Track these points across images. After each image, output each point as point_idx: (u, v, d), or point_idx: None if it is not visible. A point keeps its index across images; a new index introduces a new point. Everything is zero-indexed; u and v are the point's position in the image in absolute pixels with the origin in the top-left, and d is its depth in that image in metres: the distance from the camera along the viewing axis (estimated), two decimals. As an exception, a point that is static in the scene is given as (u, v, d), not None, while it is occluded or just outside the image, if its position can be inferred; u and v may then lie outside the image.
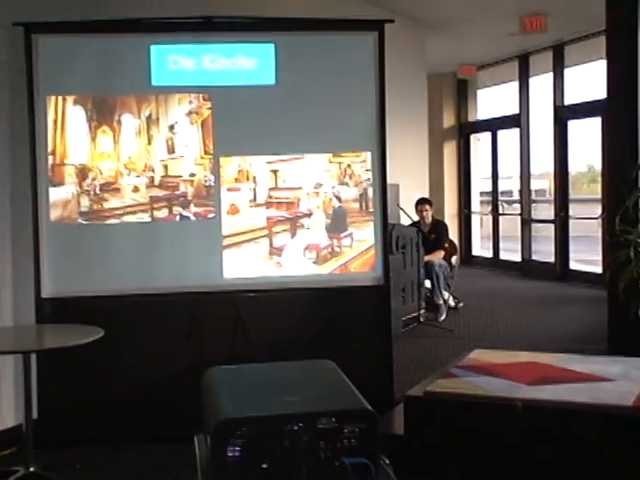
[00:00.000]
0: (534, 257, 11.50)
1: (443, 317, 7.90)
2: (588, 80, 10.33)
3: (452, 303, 8.33)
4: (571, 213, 10.79)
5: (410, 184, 8.27)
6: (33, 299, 4.30)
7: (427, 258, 7.85)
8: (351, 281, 4.61)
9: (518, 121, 11.54)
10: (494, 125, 12.46)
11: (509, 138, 12.10)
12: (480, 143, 13.20)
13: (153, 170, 4.48)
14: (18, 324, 4.30)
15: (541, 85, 11.20)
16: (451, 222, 11.68)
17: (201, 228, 4.53)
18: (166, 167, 4.50)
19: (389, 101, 4.69)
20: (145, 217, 4.48)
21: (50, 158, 4.37)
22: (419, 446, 3.31)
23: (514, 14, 8.35)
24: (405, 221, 8.03)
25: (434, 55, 9.84)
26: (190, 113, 4.50)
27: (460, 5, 8.40)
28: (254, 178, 4.55)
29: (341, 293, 4.58)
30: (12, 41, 4.30)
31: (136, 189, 4.47)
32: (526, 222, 11.52)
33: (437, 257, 8.06)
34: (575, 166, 11.36)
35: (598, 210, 10.01)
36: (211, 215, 4.52)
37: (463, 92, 13.05)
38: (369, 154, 4.62)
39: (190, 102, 4.50)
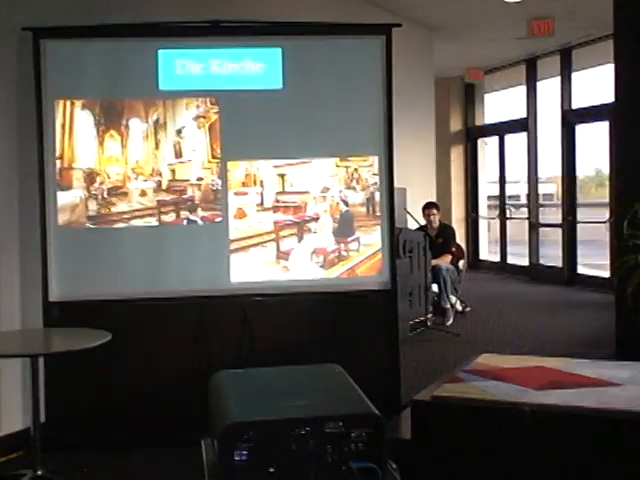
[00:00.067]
0: (541, 261, 11.47)
1: (450, 321, 7.88)
2: (596, 84, 10.31)
3: (459, 307, 8.32)
4: (579, 217, 10.76)
5: (417, 188, 8.27)
6: (41, 303, 4.31)
7: (434, 262, 7.84)
8: (358, 285, 4.61)
9: (525, 125, 11.52)
10: (501, 129, 12.45)
11: (516, 142, 12.08)
12: (487, 147, 13.18)
13: (160, 174, 4.49)
14: (26, 328, 4.31)
15: (549, 89, 11.18)
16: (458, 226, 11.68)
17: (208, 232, 4.53)
18: (173, 171, 4.51)
19: (396, 105, 4.69)
20: (152, 221, 4.49)
21: (58, 162, 4.38)
22: (426, 450, 3.30)
23: (521, 18, 8.33)
24: (412, 225, 8.03)
25: (441, 59, 9.84)
26: (197, 117, 4.51)
27: (467, 9, 8.40)
28: (261, 182, 4.56)
29: (348, 297, 4.58)
30: (20, 46, 4.32)
31: (144, 193, 4.48)
32: (533, 226, 11.50)
33: (444, 261, 8.05)
34: (583, 170, 11.34)
35: (606, 214, 9.98)
36: (218, 219, 4.52)
37: (470, 96, 13.04)
38: (376, 158, 4.62)
39: (197, 106, 4.51)
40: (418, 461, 3.23)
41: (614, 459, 3.02)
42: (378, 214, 4.63)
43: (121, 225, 4.46)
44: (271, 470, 2.28)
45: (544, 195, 12.46)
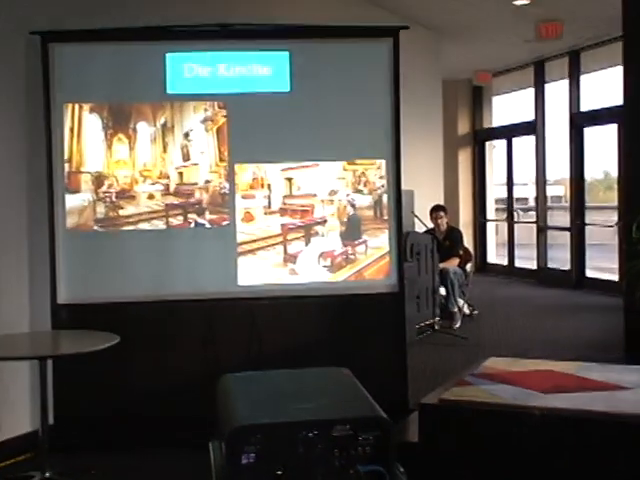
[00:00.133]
0: (550, 265, 11.44)
1: (458, 325, 7.87)
2: (604, 86, 10.29)
3: (467, 311, 8.30)
4: (587, 220, 10.73)
5: (425, 191, 8.26)
6: (49, 305, 4.32)
7: (442, 265, 7.82)
8: (365, 288, 4.61)
9: (534, 128, 11.50)
10: (509, 132, 12.42)
11: (524, 145, 12.06)
12: (495, 150, 13.16)
13: (168, 177, 4.50)
14: (34, 330, 4.32)
15: (557, 91, 11.16)
16: (466, 229, 11.65)
17: (216, 235, 4.54)
18: (181, 174, 4.51)
19: (404, 108, 4.69)
20: (160, 224, 4.49)
21: (66, 165, 4.40)
22: (434, 454, 3.30)
23: (530, 20, 8.32)
24: (420, 228, 8.02)
25: (449, 62, 9.83)
26: (205, 120, 4.52)
27: (476, 12, 8.39)
28: (269, 185, 4.56)
29: (355, 300, 4.58)
30: (29, 50, 4.34)
31: (151, 196, 4.49)
32: (542, 229, 11.47)
33: (452, 264, 8.04)
34: (591, 173, 11.31)
35: (614, 217, 9.95)
36: (226, 222, 4.53)
37: (478, 99, 13.02)
38: (384, 161, 4.62)
39: (205, 110, 4.51)
40: (426, 465, 3.23)
41: (623, 462, 3.01)
42: (385, 217, 4.63)
43: (129, 228, 4.47)
44: (278, 473, 2.29)
45: (552, 198, 12.43)
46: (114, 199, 4.45)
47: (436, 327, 7.54)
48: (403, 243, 5.22)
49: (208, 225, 4.53)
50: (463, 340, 7.15)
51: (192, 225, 4.52)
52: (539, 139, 11.40)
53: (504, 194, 12.74)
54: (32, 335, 4.25)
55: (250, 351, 4.41)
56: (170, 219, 4.50)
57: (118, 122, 4.46)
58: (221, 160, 4.53)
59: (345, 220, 4.62)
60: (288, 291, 4.54)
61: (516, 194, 12.78)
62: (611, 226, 10.18)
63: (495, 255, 13.09)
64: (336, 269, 4.60)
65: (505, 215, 12.72)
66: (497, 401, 3.25)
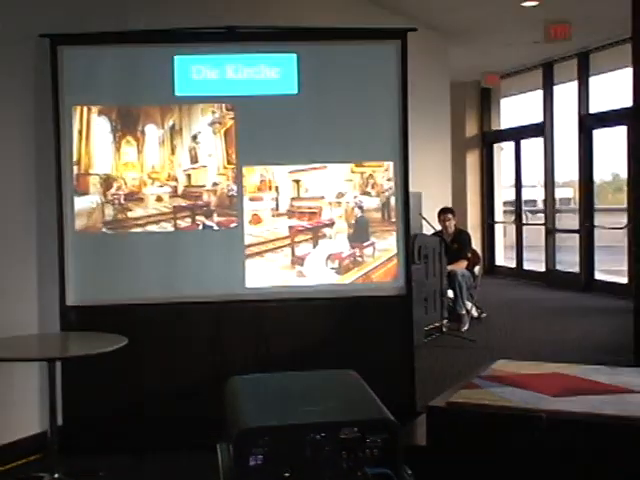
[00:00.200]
0: (558, 267, 11.41)
1: (466, 327, 7.85)
2: (614, 88, 10.26)
3: (475, 313, 8.29)
4: (596, 222, 10.69)
5: (433, 193, 8.25)
6: (58, 307, 4.34)
7: (450, 268, 7.81)
8: (373, 291, 4.60)
9: (542, 130, 11.47)
10: (518, 134, 12.39)
11: (533, 147, 12.03)
12: (504, 152, 13.13)
13: (176, 180, 4.51)
14: (43, 332, 4.34)
15: (566, 93, 11.13)
16: (474, 232, 11.63)
17: (224, 237, 4.54)
18: (189, 177, 4.52)
19: (412, 110, 4.68)
20: (168, 226, 4.50)
21: (75, 168, 4.41)
22: (441, 457, 3.29)
23: (538, 22, 8.30)
24: (428, 230, 8.01)
25: (457, 63, 9.82)
26: (213, 123, 4.53)
27: (484, 13, 8.37)
28: (276, 188, 4.57)
29: (363, 303, 4.57)
30: (38, 53, 4.35)
31: (159, 199, 4.50)
32: (550, 232, 11.44)
33: (460, 267, 8.03)
34: (600, 175, 11.28)
35: (624, 220, 9.92)
36: (234, 224, 4.53)
37: (486, 101, 13.00)
38: (391, 163, 4.61)
39: (213, 112, 4.52)
40: (433, 467, 3.22)
41: (632, 466, 2.99)
42: (393, 219, 4.63)
43: (137, 230, 4.48)
44: (286, 475, 2.29)
45: (561, 200, 12.40)
46: (122, 201, 4.46)
47: (444, 330, 7.52)
48: (411, 245, 5.22)
49: (216, 227, 4.54)
50: (471, 343, 7.14)
51: (200, 227, 4.53)
52: (548, 141, 11.38)
53: (512, 196, 12.71)
54: (41, 337, 4.26)
55: (258, 353, 4.41)
56: (178, 221, 4.51)
57: (126, 124, 4.47)
58: (229, 162, 4.54)
59: (353, 222, 4.62)
60: (296, 293, 4.55)
61: (524, 196, 12.75)
62: (620, 228, 10.15)
63: (503, 257, 13.06)
64: (344, 271, 4.60)
65: (513, 217, 12.70)
66: (505, 404, 3.24)
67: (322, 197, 4.60)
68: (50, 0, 4.42)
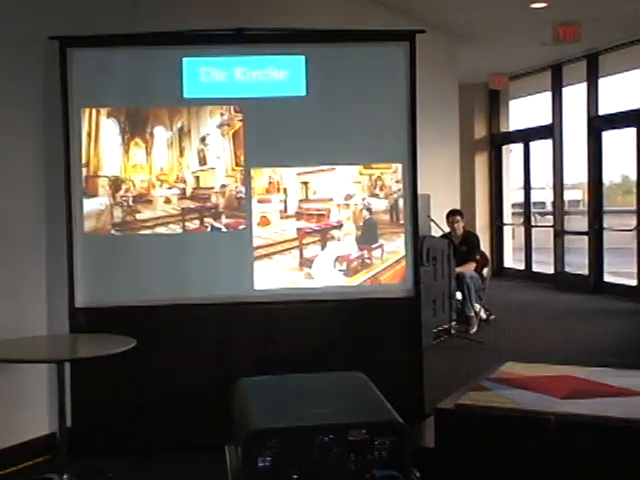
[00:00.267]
0: (567, 269, 11.38)
1: (474, 329, 7.84)
2: (623, 90, 10.23)
3: (483, 315, 8.27)
4: (605, 224, 10.66)
5: (441, 195, 8.24)
6: (67, 309, 4.35)
7: (458, 270, 7.80)
8: (382, 293, 4.60)
9: (551, 132, 11.44)
10: (526, 136, 12.37)
11: (542, 149, 12.00)
12: (512, 154, 13.10)
13: (185, 182, 4.52)
14: (52, 333, 4.35)
15: (575, 95, 11.10)
16: (483, 234, 11.61)
17: (232, 239, 4.55)
18: (198, 179, 4.53)
19: (420, 112, 4.68)
20: (177, 228, 4.51)
21: (84, 170, 4.42)
22: (450, 459, 3.28)
23: (547, 23, 8.28)
24: (436, 232, 8.00)
25: (466, 65, 9.81)
26: (222, 125, 4.53)
27: (492, 15, 8.36)
28: (285, 190, 4.57)
29: (371, 305, 4.57)
30: (47, 55, 4.37)
31: (168, 201, 4.50)
32: (559, 234, 11.40)
33: (468, 269, 8.01)
34: (609, 177, 11.24)
35: (633, 222, 9.88)
36: (242, 226, 4.54)
37: (495, 102, 12.98)
38: (400, 165, 4.61)
39: (222, 114, 4.53)
40: (442, 470, 3.21)
41: (641, 469, 2.98)
42: (402, 221, 4.62)
43: (146, 232, 4.49)
44: (294, 477, 2.29)
45: (570, 202, 12.37)
46: (131, 203, 4.47)
47: (452, 332, 7.51)
48: (419, 247, 5.21)
49: (224, 229, 4.54)
50: (479, 345, 7.12)
51: (208, 229, 4.54)
52: (556, 143, 11.35)
53: (521, 198, 12.68)
54: (50, 338, 4.28)
55: (266, 355, 4.42)
56: (187, 223, 4.52)
57: (135, 126, 4.48)
58: (237, 164, 4.54)
59: (361, 224, 4.61)
60: (304, 295, 4.54)
61: (533, 198, 12.71)
62: (629, 230, 10.11)
63: (512, 259, 13.03)
64: (352, 273, 4.60)
65: (522, 219, 12.66)
66: (514, 406, 3.23)
67: (330, 199, 4.60)
68: (59, 2, 4.44)
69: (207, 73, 4.49)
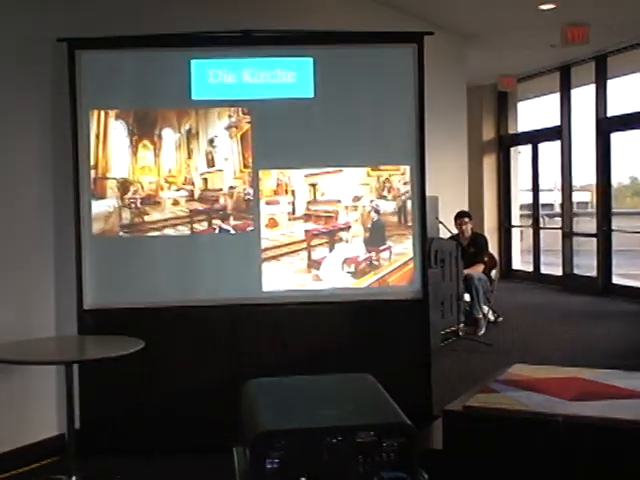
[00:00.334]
0: (576, 271, 11.35)
1: (482, 331, 7.82)
2: (631, 91, 10.19)
3: (491, 317, 8.26)
4: (614, 226, 10.62)
5: (449, 197, 8.23)
6: (75, 310, 4.36)
7: (466, 272, 7.79)
8: (389, 294, 4.60)
9: (559, 133, 11.42)
10: (535, 137, 12.34)
11: (550, 150, 11.98)
12: (521, 156, 13.08)
13: (193, 184, 4.52)
14: (60, 335, 4.36)
15: (583, 96, 11.08)
16: (491, 235, 11.59)
17: (240, 241, 4.55)
18: (206, 181, 4.54)
19: (428, 113, 4.68)
20: (185, 230, 4.52)
21: (92, 172, 4.44)
22: (458, 461, 3.28)
23: (556, 25, 8.26)
24: (444, 234, 7.99)
25: (474, 67, 9.80)
26: (230, 127, 4.54)
27: (501, 17, 8.35)
28: (293, 191, 4.57)
29: (379, 306, 4.57)
30: (56, 57, 4.39)
31: (176, 202, 4.51)
32: (567, 235, 11.37)
33: (476, 271, 8.00)
34: (618, 178, 11.20)
35: (642, 223, 9.86)
36: (250, 228, 4.54)
37: (503, 104, 12.95)
38: (408, 167, 4.61)
39: (230, 116, 4.54)
40: (450, 472, 3.21)
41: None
42: (410, 223, 4.62)
43: (154, 234, 4.50)
44: (302, 479, 2.28)
45: (578, 204, 12.33)
46: (139, 205, 4.48)
47: (460, 334, 7.50)
48: (427, 249, 5.20)
49: (232, 231, 4.55)
50: (487, 347, 7.11)
51: (216, 231, 4.54)
52: (565, 144, 11.32)
53: (529, 200, 12.65)
54: (58, 340, 4.29)
55: (274, 356, 4.42)
56: (195, 225, 4.52)
57: (143, 128, 4.49)
58: (245, 166, 4.55)
59: (369, 226, 4.61)
60: (312, 297, 4.54)
61: (541, 200, 12.68)
62: (638, 232, 10.07)
63: (520, 261, 13.00)
64: (360, 275, 4.60)
65: (530, 221, 12.64)
66: (522, 408, 3.22)
67: (338, 201, 4.60)
68: (68, 5, 4.45)
69: (215, 75, 4.50)
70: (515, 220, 12.99)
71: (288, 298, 4.53)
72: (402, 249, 4.62)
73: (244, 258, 4.53)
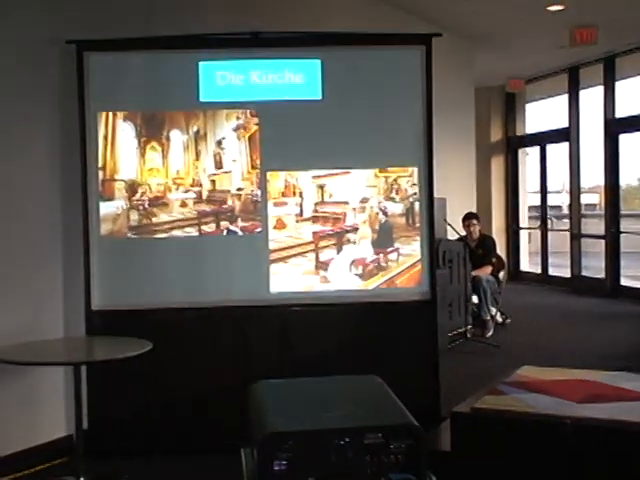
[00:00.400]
0: (584, 273, 11.31)
1: (490, 333, 7.81)
2: (640, 93, 10.17)
3: (499, 319, 8.24)
4: (622, 228, 10.59)
5: (457, 199, 8.22)
6: (83, 311, 4.37)
7: (474, 273, 7.78)
8: (397, 296, 4.59)
9: (568, 135, 11.38)
10: (543, 139, 12.31)
11: (558, 152, 11.95)
12: (529, 157, 13.05)
13: (201, 185, 4.53)
14: (69, 336, 4.37)
15: (591, 98, 11.05)
16: (499, 237, 11.57)
17: (248, 243, 4.56)
18: (214, 182, 4.54)
19: (436, 115, 4.67)
20: (193, 232, 4.52)
21: (100, 173, 4.45)
22: (466, 463, 3.27)
23: (564, 26, 8.24)
24: (452, 236, 7.98)
25: (482, 68, 9.79)
26: (238, 128, 4.55)
27: (509, 18, 8.34)
28: (300, 193, 4.57)
29: (387, 308, 4.56)
30: (64, 59, 4.40)
31: (184, 204, 4.52)
32: (576, 237, 11.34)
33: (484, 272, 7.99)
34: (626, 180, 11.17)
35: (650, 225, 9.82)
36: (258, 230, 4.55)
37: (511, 105, 12.93)
38: (416, 169, 4.60)
39: (238, 117, 4.54)
40: (458, 473, 3.20)
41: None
42: (417, 225, 4.61)
43: (162, 235, 4.50)
44: (310, 480, 2.29)
45: (586, 205, 12.30)
46: (147, 206, 4.49)
47: (468, 335, 7.49)
48: (435, 251, 5.20)
49: (240, 232, 4.55)
50: (495, 348, 7.09)
51: (224, 232, 4.55)
52: (573, 146, 11.29)
53: (537, 202, 12.62)
54: (66, 341, 4.30)
55: (282, 358, 4.42)
56: (202, 226, 4.53)
57: (151, 130, 4.50)
58: (253, 168, 4.55)
59: (377, 228, 4.61)
60: (320, 299, 4.55)
61: (550, 201, 12.66)
62: (647, 234, 10.04)
63: (528, 263, 12.98)
64: (368, 277, 4.59)
65: (538, 223, 12.61)
66: (530, 410, 3.21)
67: (346, 202, 4.60)
68: (77, 6, 4.46)
69: (223, 76, 4.51)
70: (523, 222, 12.96)
71: (295, 300, 4.53)
72: (410, 250, 4.61)
73: (252, 259, 4.53)
